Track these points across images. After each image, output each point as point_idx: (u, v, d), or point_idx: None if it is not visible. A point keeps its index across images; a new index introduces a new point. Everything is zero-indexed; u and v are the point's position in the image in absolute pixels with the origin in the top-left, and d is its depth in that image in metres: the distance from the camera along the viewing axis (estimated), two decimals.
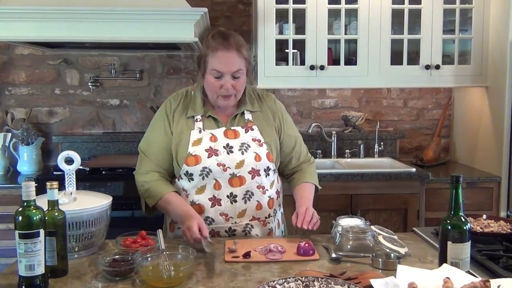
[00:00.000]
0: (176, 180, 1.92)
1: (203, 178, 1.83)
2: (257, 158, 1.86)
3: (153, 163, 1.90)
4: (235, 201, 1.85)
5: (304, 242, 1.67)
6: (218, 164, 1.83)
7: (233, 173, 1.83)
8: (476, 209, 2.88)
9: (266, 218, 1.91)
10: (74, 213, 1.60)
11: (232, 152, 1.85)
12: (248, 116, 1.93)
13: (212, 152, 1.84)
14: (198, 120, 1.89)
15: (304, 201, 1.88)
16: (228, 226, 1.87)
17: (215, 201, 1.85)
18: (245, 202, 1.86)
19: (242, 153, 1.85)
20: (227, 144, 1.86)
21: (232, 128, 1.90)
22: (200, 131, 1.87)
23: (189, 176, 1.85)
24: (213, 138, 1.86)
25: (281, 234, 2.02)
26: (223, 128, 1.89)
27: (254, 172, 1.86)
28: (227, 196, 1.84)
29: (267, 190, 1.90)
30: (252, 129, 1.91)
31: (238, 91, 1.85)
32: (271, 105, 2.00)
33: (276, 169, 1.96)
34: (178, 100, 1.94)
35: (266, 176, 1.89)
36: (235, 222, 1.87)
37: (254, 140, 1.89)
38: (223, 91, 1.81)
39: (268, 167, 1.89)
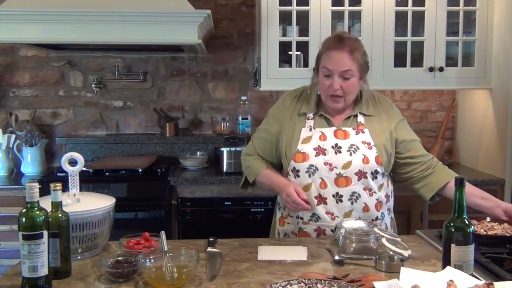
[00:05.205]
0: (285, 176, 1.97)
1: (309, 176, 1.87)
2: (365, 160, 1.86)
3: (256, 149, 2.05)
4: (341, 201, 1.86)
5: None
6: (325, 163, 1.86)
7: (340, 173, 1.85)
8: (479, 212, 2.86)
9: (373, 220, 1.91)
10: (78, 214, 1.60)
11: (340, 152, 1.87)
12: (361, 119, 1.94)
13: (320, 151, 1.87)
14: (310, 118, 1.94)
15: (494, 199, 1.90)
16: (334, 225, 1.86)
17: (321, 199, 1.87)
18: (352, 203, 1.87)
19: (350, 154, 1.87)
20: (336, 144, 1.88)
21: (343, 128, 1.92)
22: (310, 129, 1.92)
23: (296, 173, 1.90)
24: (323, 137, 1.90)
25: None
26: (334, 128, 1.92)
27: (361, 174, 1.86)
28: (333, 196, 1.86)
29: (374, 192, 1.89)
30: (363, 132, 1.91)
31: (347, 93, 1.86)
32: (387, 109, 1.99)
33: (386, 173, 1.94)
34: (293, 98, 2.00)
35: (373, 179, 1.88)
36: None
37: (364, 142, 1.89)
38: (331, 90, 1.85)
39: (376, 170, 1.88)
